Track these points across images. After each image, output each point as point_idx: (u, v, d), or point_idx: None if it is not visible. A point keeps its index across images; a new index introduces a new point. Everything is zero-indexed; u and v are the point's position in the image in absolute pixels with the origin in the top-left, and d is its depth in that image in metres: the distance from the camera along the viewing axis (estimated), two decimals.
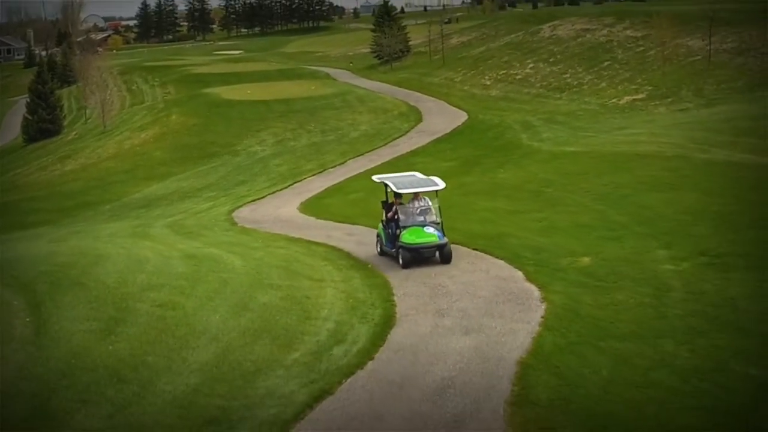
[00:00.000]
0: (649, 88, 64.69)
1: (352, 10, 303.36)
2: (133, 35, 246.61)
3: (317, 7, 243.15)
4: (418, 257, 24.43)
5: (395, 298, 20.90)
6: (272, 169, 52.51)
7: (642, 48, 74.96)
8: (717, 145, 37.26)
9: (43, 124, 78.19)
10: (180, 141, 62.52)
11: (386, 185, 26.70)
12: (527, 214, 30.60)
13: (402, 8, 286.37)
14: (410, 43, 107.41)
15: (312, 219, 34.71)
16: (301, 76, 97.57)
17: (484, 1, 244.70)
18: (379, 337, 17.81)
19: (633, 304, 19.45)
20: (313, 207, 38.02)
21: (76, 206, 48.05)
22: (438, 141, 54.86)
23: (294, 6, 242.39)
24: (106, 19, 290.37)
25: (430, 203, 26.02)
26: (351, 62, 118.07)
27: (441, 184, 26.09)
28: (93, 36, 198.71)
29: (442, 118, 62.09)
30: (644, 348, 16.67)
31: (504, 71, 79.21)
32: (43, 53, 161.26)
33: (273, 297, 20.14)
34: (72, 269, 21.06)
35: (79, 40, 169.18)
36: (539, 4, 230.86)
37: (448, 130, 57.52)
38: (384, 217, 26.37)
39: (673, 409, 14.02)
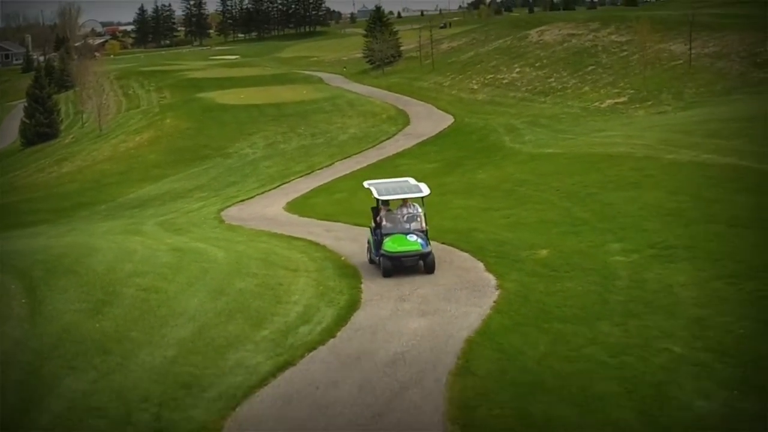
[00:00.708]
0: (631, 91, 66.66)
1: (348, 15, 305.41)
2: (130, 40, 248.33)
3: (314, 12, 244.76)
4: (400, 266, 23.84)
5: (362, 285, 22.79)
6: (262, 170, 54.35)
7: (626, 53, 76.91)
8: (685, 146, 38.90)
9: (41, 128, 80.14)
10: (173, 144, 64.44)
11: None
12: (498, 211, 32.42)
13: (399, 13, 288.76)
14: (402, 48, 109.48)
15: (296, 217, 36.55)
16: (294, 81, 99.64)
17: (480, 5, 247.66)
18: (342, 319, 19.68)
19: (580, 291, 21.17)
20: (298, 206, 39.86)
21: (73, 207, 49.83)
22: (423, 144, 56.76)
23: (290, 11, 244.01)
24: (103, 24, 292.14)
25: (419, 210, 25.53)
26: (345, 67, 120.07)
27: (425, 191, 25.69)
28: (90, 41, 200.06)
29: (428, 122, 64.02)
30: (582, 328, 18.40)
31: (491, 75, 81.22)
32: (41, 58, 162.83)
33: (249, 284, 22.01)
34: (65, 258, 22.91)
35: (76, 45, 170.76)
36: (535, 9, 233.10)
37: (434, 133, 59.43)
38: (372, 224, 26.05)
39: (596, 378, 15.78)
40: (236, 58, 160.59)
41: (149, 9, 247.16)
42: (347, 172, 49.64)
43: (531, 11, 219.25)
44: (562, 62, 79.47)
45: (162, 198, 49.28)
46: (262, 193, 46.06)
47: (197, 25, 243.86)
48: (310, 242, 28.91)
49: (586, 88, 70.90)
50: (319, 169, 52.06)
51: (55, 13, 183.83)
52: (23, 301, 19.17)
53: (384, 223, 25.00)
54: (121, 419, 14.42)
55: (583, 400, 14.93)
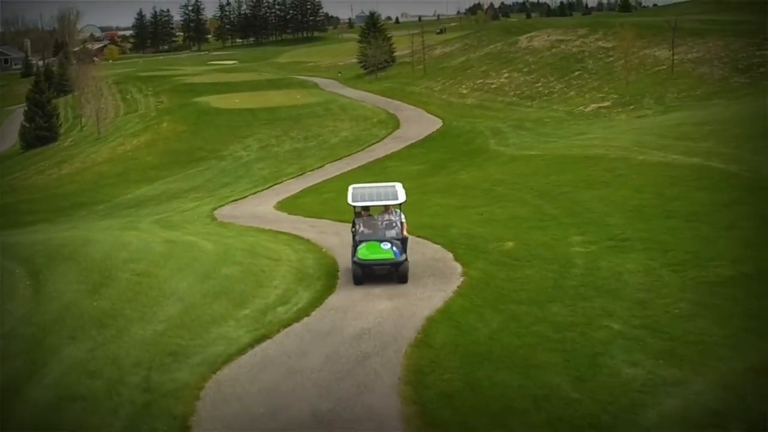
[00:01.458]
0: (615, 96, 68.66)
1: (346, 20, 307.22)
2: (129, 45, 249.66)
3: (311, 18, 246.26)
4: (371, 274, 23.48)
5: (339, 273, 24.83)
6: (255, 172, 56.40)
7: (611, 58, 78.89)
8: (657, 147, 40.82)
9: (40, 132, 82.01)
10: (170, 147, 66.50)
11: None
12: (473, 208, 34.49)
13: (397, 18, 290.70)
14: (396, 53, 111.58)
15: (284, 215, 38.59)
16: (289, 86, 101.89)
17: (477, 11, 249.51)
18: (317, 301, 21.76)
19: (538, 277, 23.16)
20: (288, 205, 41.91)
21: (72, 206, 51.80)
22: (412, 146, 58.82)
23: (288, 17, 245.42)
24: (102, 29, 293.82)
25: (402, 218, 24.99)
26: (339, 72, 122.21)
27: (401, 198, 25.03)
28: (89, 46, 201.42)
29: (418, 126, 66.10)
30: (534, 309, 20.39)
31: (481, 80, 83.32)
32: (40, 63, 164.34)
33: (234, 270, 24.06)
34: (65, 248, 24.99)
35: (75, 50, 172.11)
36: (533, 15, 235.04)
37: (422, 137, 61.50)
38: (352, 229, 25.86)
39: (540, 350, 17.78)
40: (234, 63, 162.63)
41: (148, 14, 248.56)
42: (337, 173, 51.68)
43: (528, 17, 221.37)
44: (550, 67, 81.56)
45: (158, 198, 51.26)
46: (255, 193, 48.07)
47: (195, 31, 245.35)
48: (295, 236, 30.90)
49: (572, 93, 72.93)
50: (310, 171, 54.10)
51: (54, 18, 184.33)
52: (27, 283, 21.35)
53: (360, 229, 24.79)
54: (115, 381, 16.50)
55: (525, 368, 16.91)
